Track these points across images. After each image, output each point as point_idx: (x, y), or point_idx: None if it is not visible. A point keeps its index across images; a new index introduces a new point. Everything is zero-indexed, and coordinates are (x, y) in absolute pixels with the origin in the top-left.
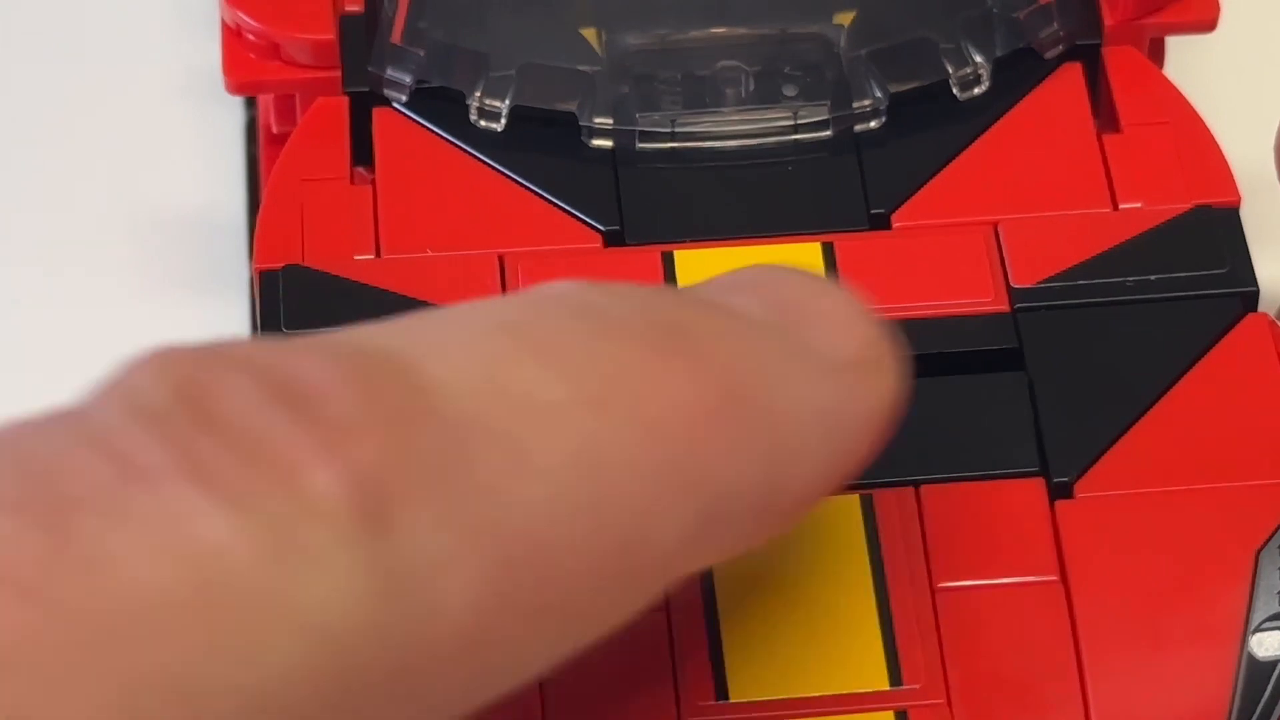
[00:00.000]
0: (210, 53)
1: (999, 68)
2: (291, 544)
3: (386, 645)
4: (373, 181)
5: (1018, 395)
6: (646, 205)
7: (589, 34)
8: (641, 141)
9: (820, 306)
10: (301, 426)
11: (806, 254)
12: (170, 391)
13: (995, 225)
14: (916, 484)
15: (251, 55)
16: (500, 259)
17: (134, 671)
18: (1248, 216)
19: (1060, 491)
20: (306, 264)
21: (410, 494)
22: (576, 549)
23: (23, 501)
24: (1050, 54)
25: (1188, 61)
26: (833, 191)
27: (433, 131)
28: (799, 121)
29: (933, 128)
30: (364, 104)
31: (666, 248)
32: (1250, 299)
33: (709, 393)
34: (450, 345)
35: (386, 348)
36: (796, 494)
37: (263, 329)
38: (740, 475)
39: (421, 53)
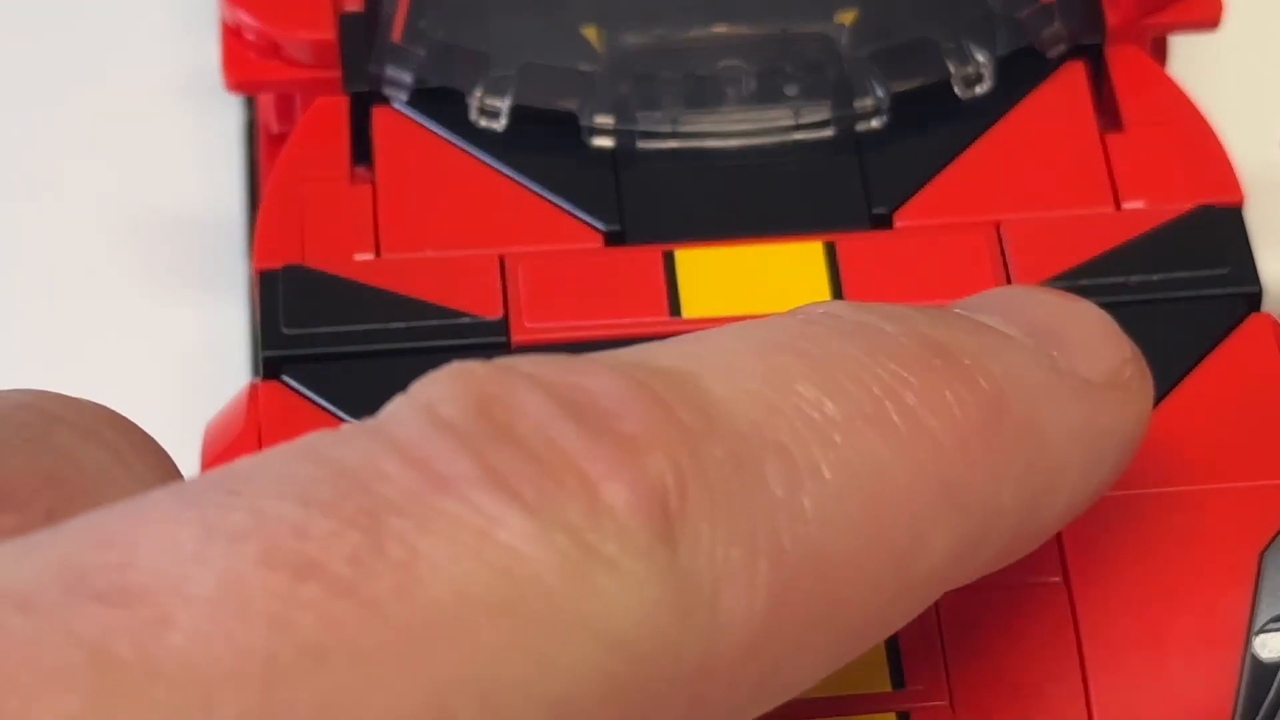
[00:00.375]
0: (210, 52)
1: (1001, 67)
2: (589, 553)
3: (677, 656)
4: (373, 181)
5: None
6: (647, 205)
7: (590, 33)
8: (642, 141)
9: (1075, 327)
10: (595, 440)
11: (808, 254)
12: (468, 406)
13: (998, 225)
14: None
15: (251, 55)
16: (501, 259)
17: (443, 671)
18: (1251, 216)
19: None
20: (306, 264)
21: (699, 507)
22: (854, 562)
23: (337, 502)
24: (1053, 53)
25: (1191, 60)
26: (834, 191)
27: (433, 131)
28: (800, 121)
29: (935, 127)
30: (364, 103)
31: (667, 247)
32: (1254, 299)
33: (976, 411)
34: (731, 364)
35: (670, 366)
36: (1055, 514)
37: (262, 329)
38: (1006, 492)
39: (422, 52)
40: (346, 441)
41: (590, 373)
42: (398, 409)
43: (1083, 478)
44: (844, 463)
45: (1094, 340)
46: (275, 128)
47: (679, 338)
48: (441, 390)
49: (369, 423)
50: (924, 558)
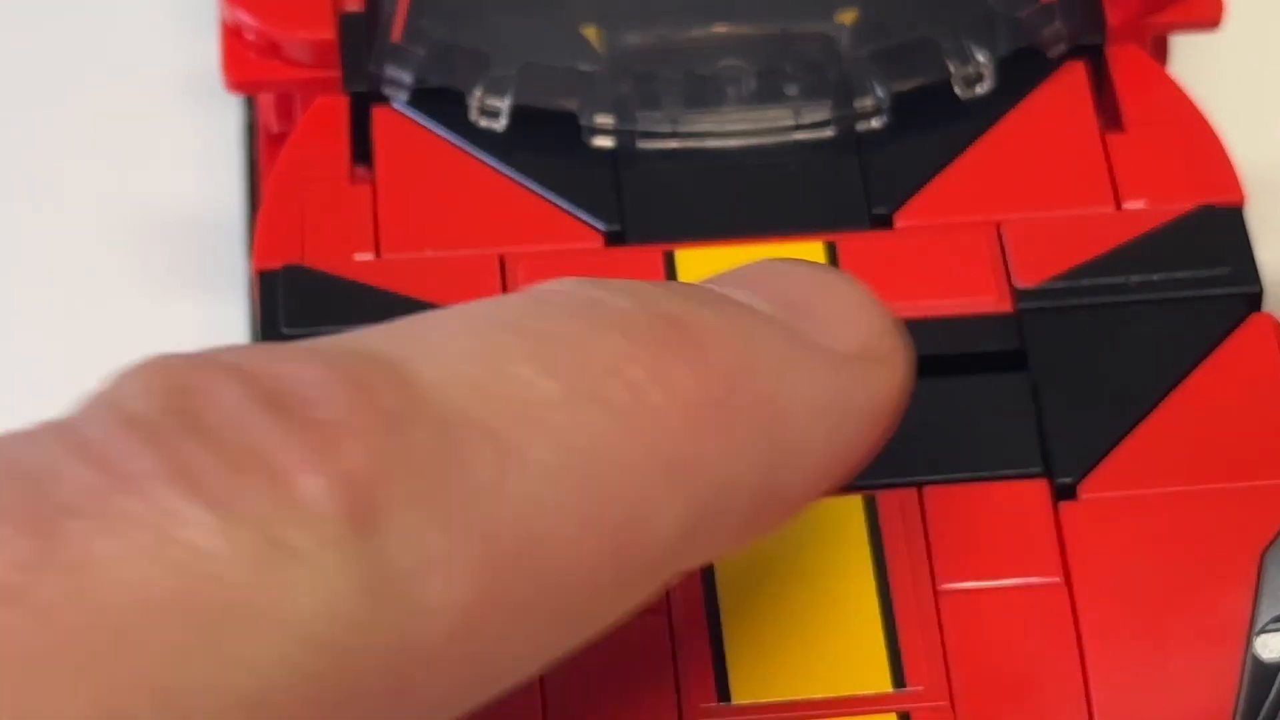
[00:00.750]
0: (209, 52)
1: (1002, 67)
2: (277, 547)
3: (377, 645)
4: (373, 181)
5: (1021, 396)
6: (648, 204)
7: (590, 33)
8: (642, 141)
9: (827, 298)
10: (289, 431)
11: (808, 254)
12: (159, 399)
13: (998, 225)
14: (919, 485)
15: (251, 54)
16: (501, 259)
17: (119, 674)
18: (1252, 216)
19: (1064, 493)
20: (306, 264)
21: (400, 495)
22: (570, 545)
23: (9, 507)
24: (1053, 53)
25: (1192, 60)
26: (835, 191)
27: (433, 131)
28: (801, 121)
29: (935, 127)
30: (364, 103)
31: (668, 247)
32: (1254, 299)
33: (709, 385)
34: (443, 345)
35: (377, 350)
36: (798, 488)
37: (263, 329)
38: (741, 468)
39: (422, 52)
40: (30, 441)
41: (293, 360)
42: (87, 405)
43: (828, 451)
44: (559, 443)
45: (847, 312)
46: (275, 128)
47: (399, 320)
48: (133, 384)
49: (57, 420)
50: (649, 537)
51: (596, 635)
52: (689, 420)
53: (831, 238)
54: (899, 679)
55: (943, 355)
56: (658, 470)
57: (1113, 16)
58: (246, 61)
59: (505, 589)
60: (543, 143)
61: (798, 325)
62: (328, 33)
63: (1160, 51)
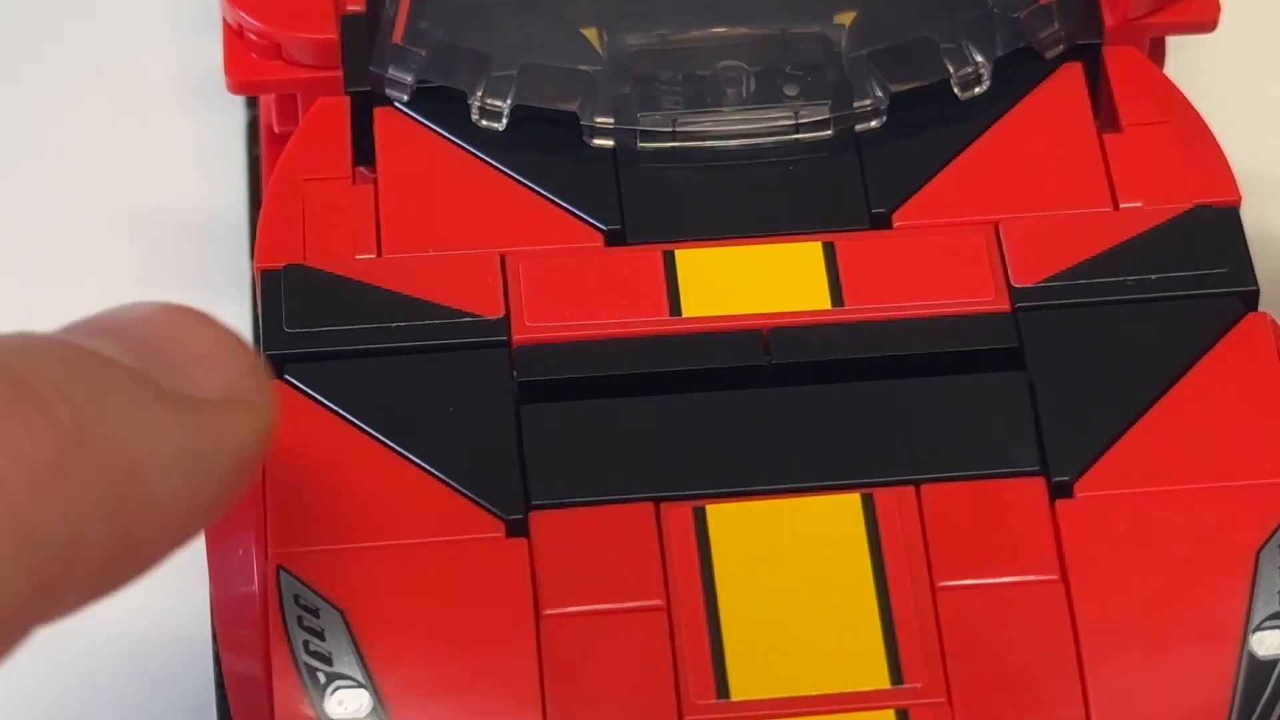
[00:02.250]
0: (211, 53)
1: (999, 67)
2: None
3: None
4: (374, 181)
5: (1018, 394)
6: (648, 204)
7: (590, 34)
8: (643, 141)
9: (188, 343)
10: None
11: (807, 253)
12: None
13: (996, 225)
14: (917, 483)
15: (253, 55)
16: (501, 258)
17: None
18: (1248, 216)
19: (1061, 491)
20: (308, 263)
21: None
22: None
23: None
24: (1051, 54)
25: (1188, 61)
26: (834, 191)
27: (434, 131)
28: (800, 121)
29: (933, 127)
30: (365, 104)
31: (668, 247)
32: (1250, 298)
33: (54, 442)
34: None
35: None
36: (157, 537)
37: (264, 328)
38: (89, 525)
39: (423, 52)
40: None
41: None
42: None
43: (188, 499)
44: None
45: (209, 356)
46: (277, 128)
47: None
48: None
49: None
50: None
51: None
52: (30, 481)
53: (830, 237)
54: (897, 675)
55: (940, 354)
56: (3, 531)
57: (1110, 18)
58: (248, 62)
59: None
60: (543, 143)
61: (155, 373)
62: (329, 33)
63: (1157, 53)
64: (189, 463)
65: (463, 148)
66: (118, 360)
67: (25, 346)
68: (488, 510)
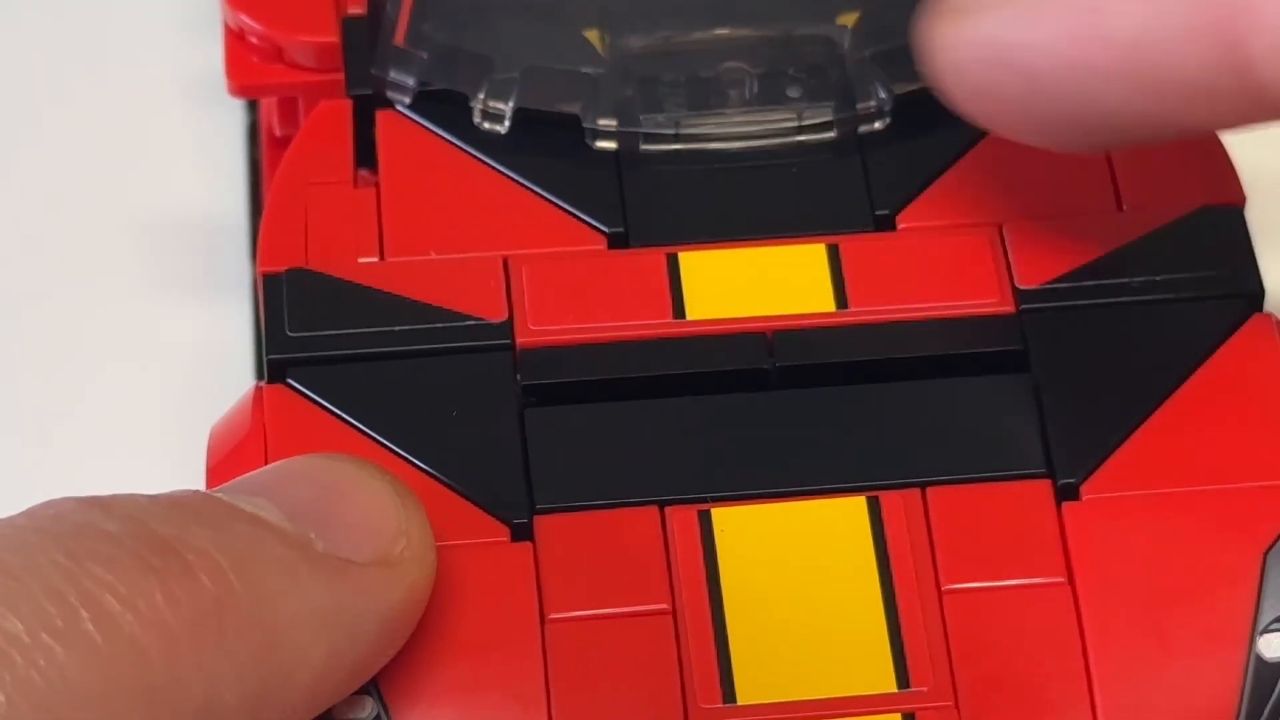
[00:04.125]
0: (212, 55)
1: None
2: None
3: None
4: (376, 184)
5: (1023, 397)
6: (651, 207)
7: (592, 36)
8: (646, 143)
9: (346, 505)
10: None
11: (811, 256)
12: None
13: (1000, 226)
14: (923, 486)
15: (254, 58)
16: (504, 261)
17: None
18: (1252, 217)
19: (1067, 493)
20: (310, 267)
21: None
22: None
23: None
24: None
25: None
26: (837, 193)
27: (436, 134)
28: (803, 123)
29: (937, 129)
30: (367, 106)
31: (671, 249)
32: (1255, 299)
33: (195, 608)
34: None
35: None
36: (300, 695)
37: (266, 332)
38: (228, 686)
39: (425, 55)
40: None
41: None
42: None
43: (332, 658)
44: (20, 681)
45: (365, 518)
46: (278, 131)
47: None
48: None
49: None
50: None
51: None
52: (167, 647)
53: (834, 239)
54: (903, 679)
55: (945, 356)
56: (134, 698)
57: None
58: (250, 65)
59: None
60: (546, 145)
61: (308, 535)
62: (331, 36)
63: None
64: (333, 628)
65: (465, 150)
66: (272, 523)
67: (174, 504)
68: (492, 514)
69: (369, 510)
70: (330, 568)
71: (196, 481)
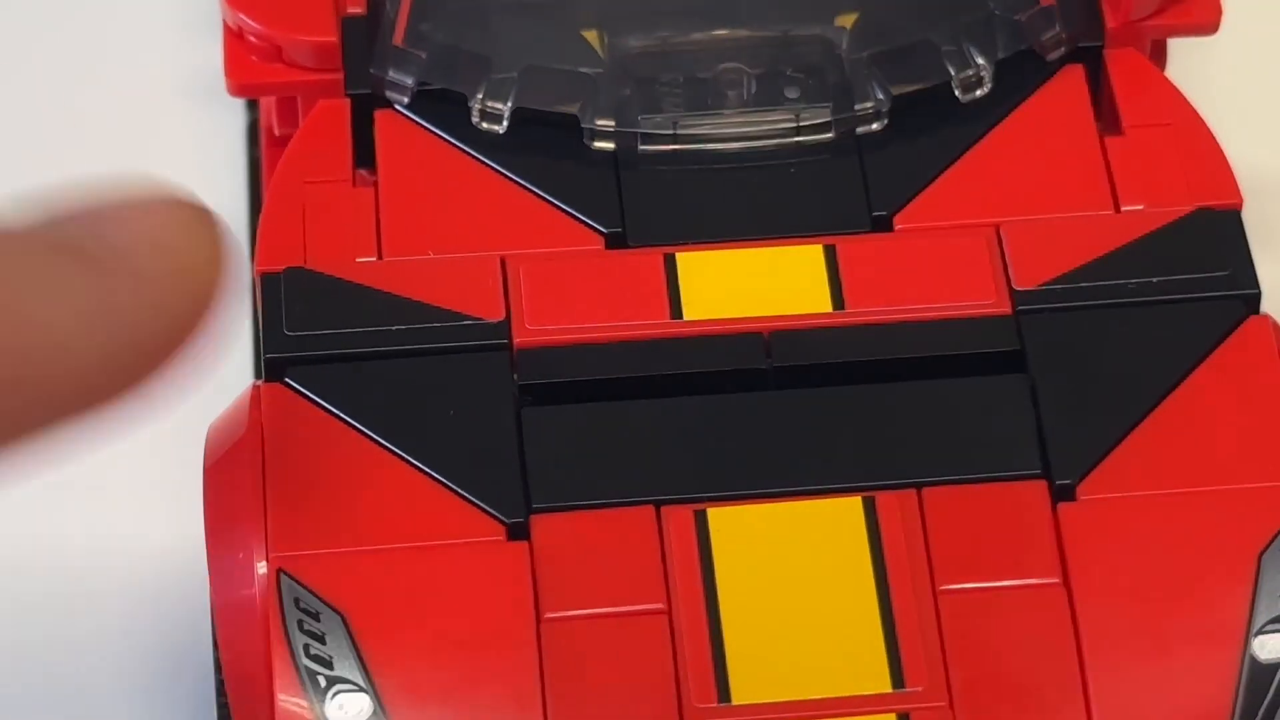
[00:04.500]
0: (212, 55)
1: (1001, 70)
2: None
3: None
4: (375, 184)
5: (1020, 398)
6: (648, 207)
7: (591, 36)
8: (644, 143)
9: (133, 213)
10: None
11: (808, 256)
12: None
13: (997, 227)
14: (918, 486)
15: (253, 57)
16: (502, 261)
17: None
18: (1250, 219)
19: (1063, 494)
20: (308, 266)
21: None
22: None
23: None
24: (1052, 56)
25: (1190, 64)
26: (835, 193)
27: (435, 133)
28: (801, 123)
29: (935, 130)
30: (366, 106)
31: (668, 249)
32: (1253, 301)
33: None
34: None
35: None
36: (67, 383)
37: (265, 331)
38: None
39: (423, 55)
40: None
41: None
42: None
43: (104, 353)
44: None
45: (149, 228)
46: (277, 130)
47: None
48: None
49: None
50: None
51: None
52: None
53: (831, 240)
54: (898, 679)
55: (942, 357)
56: None
57: (1111, 20)
58: (249, 65)
59: None
60: (544, 146)
61: (80, 239)
62: (330, 35)
63: (1159, 55)
64: (103, 322)
65: (463, 150)
66: (37, 229)
67: None
68: (488, 513)
69: (155, 221)
70: (96, 266)
71: (195, 480)
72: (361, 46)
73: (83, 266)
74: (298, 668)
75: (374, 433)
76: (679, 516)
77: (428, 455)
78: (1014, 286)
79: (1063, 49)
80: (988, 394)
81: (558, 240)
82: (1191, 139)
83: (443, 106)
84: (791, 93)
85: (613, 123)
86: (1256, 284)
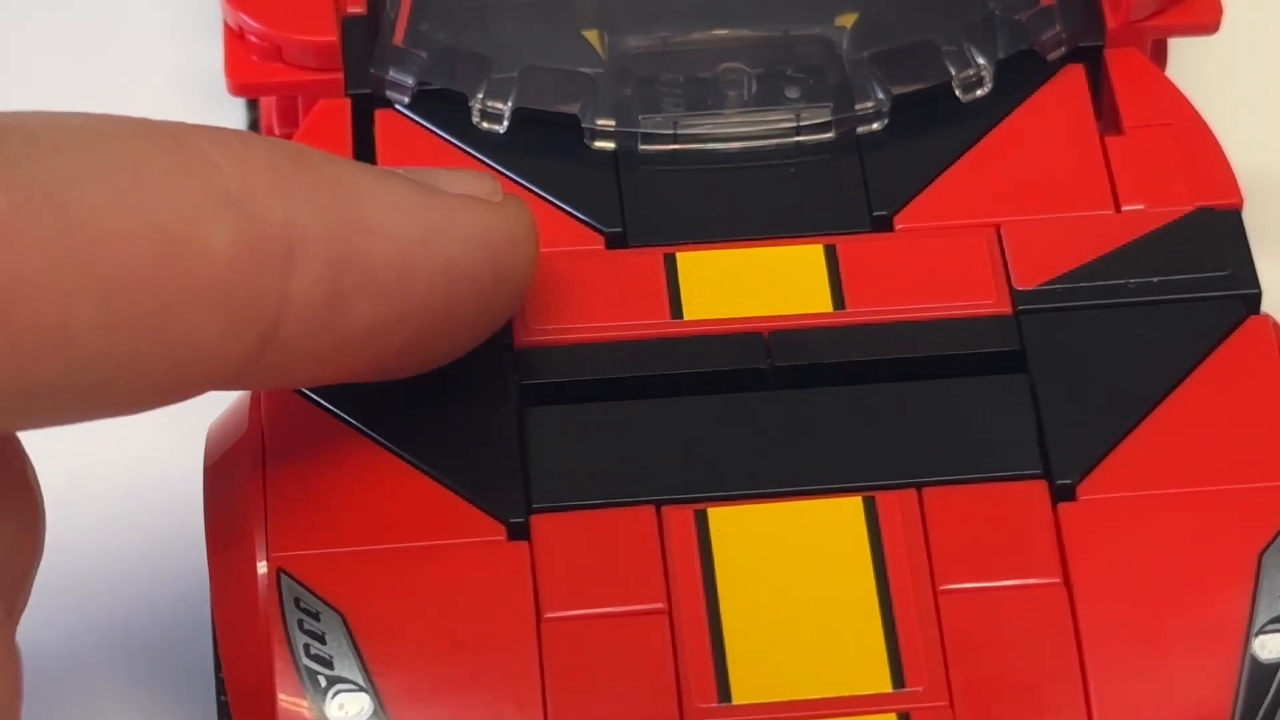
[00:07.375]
0: (212, 54)
1: (1001, 70)
2: None
3: None
4: None
5: (1020, 397)
6: (649, 207)
7: (591, 36)
8: (644, 143)
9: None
10: None
11: (809, 256)
12: None
13: (998, 227)
14: (919, 486)
15: (254, 57)
16: None
17: None
18: (1250, 218)
19: (1063, 494)
20: None
21: None
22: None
23: None
24: (1052, 56)
25: (1190, 63)
26: (835, 193)
27: (435, 133)
28: (801, 123)
29: (935, 130)
30: (366, 106)
31: (669, 249)
32: (1253, 301)
33: (263, 154)
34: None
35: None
36: (384, 260)
37: None
38: (308, 216)
39: (424, 55)
40: None
41: None
42: None
43: (420, 245)
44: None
45: (464, 177)
46: (278, 130)
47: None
48: None
49: None
50: (200, 249)
51: None
52: (238, 169)
53: (832, 240)
54: (899, 679)
55: (942, 357)
56: (219, 198)
57: (1111, 20)
58: (249, 64)
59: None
60: (544, 145)
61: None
62: (330, 35)
63: (1159, 55)
64: (418, 213)
65: (464, 150)
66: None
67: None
68: (489, 513)
69: (479, 182)
70: (417, 185)
71: (194, 479)
72: (362, 46)
73: (403, 181)
74: (298, 667)
75: (374, 432)
76: (679, 516)
77: (428, 455)
78: (1014, 286)
79: (1063, 49)
80: (988, 394)
81: (558, 240)
82: (1192, 139)
83: (443, 106)
84: (792, 92)
85: (613, 122)
86: (1257, 284)
